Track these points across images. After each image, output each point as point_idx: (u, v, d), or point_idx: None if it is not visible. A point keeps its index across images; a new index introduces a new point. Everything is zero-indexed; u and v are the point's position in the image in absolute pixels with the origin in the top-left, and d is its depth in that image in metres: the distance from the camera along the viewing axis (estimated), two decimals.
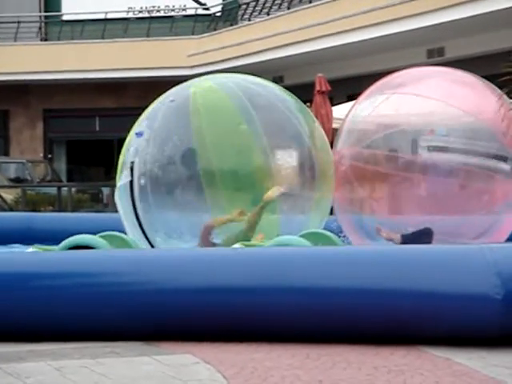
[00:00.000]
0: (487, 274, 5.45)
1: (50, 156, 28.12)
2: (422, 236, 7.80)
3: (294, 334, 5.66)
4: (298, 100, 8.86)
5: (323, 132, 9.13)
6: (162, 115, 8.27)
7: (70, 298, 5.83)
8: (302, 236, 7.70)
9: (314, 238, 7.79)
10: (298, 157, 8.55)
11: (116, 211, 8.67)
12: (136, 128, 8.34)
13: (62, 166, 28.79)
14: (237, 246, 7.50)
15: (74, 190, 18.22)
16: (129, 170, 8.07)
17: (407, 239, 7.83)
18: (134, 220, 8.04)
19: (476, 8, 16.32)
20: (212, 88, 8.55)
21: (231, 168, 8.19)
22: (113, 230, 8.27)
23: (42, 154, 27.87)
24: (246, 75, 9.20)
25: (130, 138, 8.37)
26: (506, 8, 15.77)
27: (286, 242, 7.30)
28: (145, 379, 4.73)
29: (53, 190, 18.21)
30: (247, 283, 5.74)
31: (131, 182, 8.02)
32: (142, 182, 8.07)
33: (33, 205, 16.95)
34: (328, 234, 8.08)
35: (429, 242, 7.74)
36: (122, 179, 8.17)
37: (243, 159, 8.29)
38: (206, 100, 8.43)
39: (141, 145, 8.17)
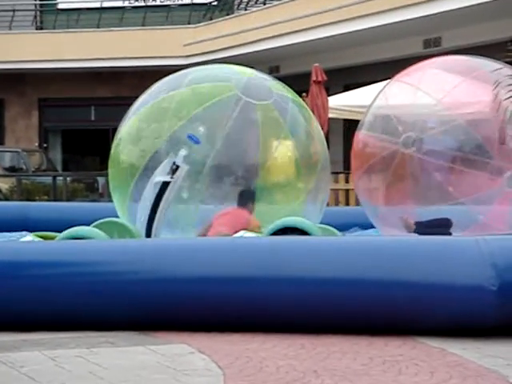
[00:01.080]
0: (482, 265, 5.45)
1: (45, 145, 28.03)
2: (440, 226, 7.73)
3: (288, 325, 5.66)
4: (292, 91, 8.84)
5: (318, 124, 9.12)
6: (231, 126, 8.13)
7: (65, 288, 5.83)
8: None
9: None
10: (294, 148, 8.53)
11: (111, 201, 8.67)
12: (187, 129, 8.06)
13: (57, 155, 28.71)
14: (241, 233, 7.50)
15: (69, 179, 18.17)
16: (170, 170, 7.83)
17: (421, 227, 7.78)
18: (146, 214, 7.89)
19: None
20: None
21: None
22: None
23: (37, 144, 27.77)
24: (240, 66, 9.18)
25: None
26: None
27: None
28: (140, 369, 4.73)
29: (48, 180, 18.16)
30: (242, 273, 5.74)
31: (166, 183, 7.81)
32: (185, 190, 7.98)
33: (28, 194, 16.90)
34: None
35: (447, 233, 7.68)
36: (157, 174, 7.88)
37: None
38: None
39: (197, 152, 7.99)
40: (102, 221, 7.91)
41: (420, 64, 8.79)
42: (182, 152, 7.89)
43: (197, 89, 8.35)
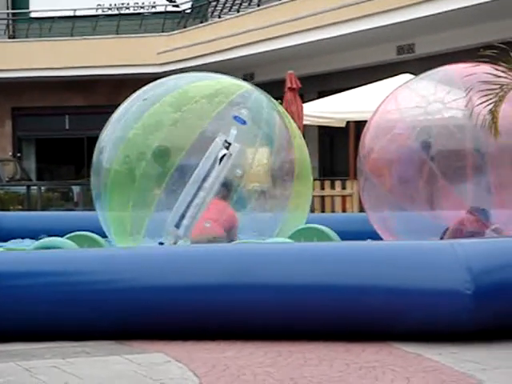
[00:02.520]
0: (458, 269, 5.47)
1: (19, 155, 27.87)
2: None
3: (265, 332, 5.65)
4: (271, 98, 8.85)
5: (299, 130, 9.12)
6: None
7: (40, 298, 5.78)
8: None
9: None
10: (273, 155, 8.53)
11: (87, 210, 8.64)
12: (233, 110, 8.13)
13: (31, 164, 28.56)
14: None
15: (43, 188, 18.08)
16: (222, 146, 7.82)
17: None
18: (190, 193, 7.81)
19: (445, 5, 16.37)
20: None
21: None
22: (83, 229, 8.23)
23: (10, 153, 27.60)
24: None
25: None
26: (475, 4, 15.85)
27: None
28: (116, 378, 4.70)
29: (22, 189, 18.07)
30: (218, 281, 5.72)
31: (220, 159, 7.79)
32: (239, 171, 8.03)
33: (1, 204, 16.80)
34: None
35: None
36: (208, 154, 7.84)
37: None
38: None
39: (243, 132, 8.02)
40: (72, 234, 7.87)
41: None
42: (234, 131, 7.92)
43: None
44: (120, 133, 8.37)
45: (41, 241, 7.48)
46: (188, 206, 7.73)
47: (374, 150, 8.59)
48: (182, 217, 7.74)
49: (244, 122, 8.06)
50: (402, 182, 8.29)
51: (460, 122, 8.11)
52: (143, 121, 8.20)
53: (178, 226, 7.74)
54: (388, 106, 8.77)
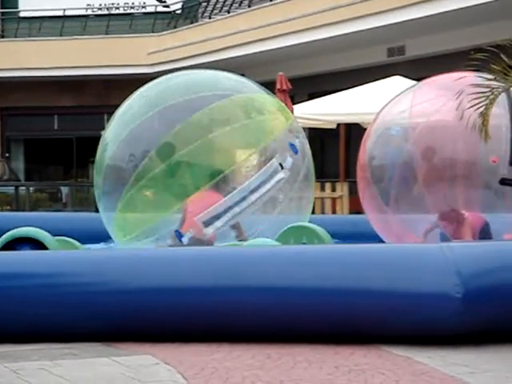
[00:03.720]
0: (447, 272, 5.46)
1: (7, 155, 27.75)
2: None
3: (254, 334, 5.63)
4: (295, 127, 8.86)
5: (303, 133, 9.12)
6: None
7: (26, 299, 5.74)
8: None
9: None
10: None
11: (75, 210, 8.60)
12: (290, 139, 8.39)
13: (19, 164, 28.46)
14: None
15: (32, 189, 18.03)
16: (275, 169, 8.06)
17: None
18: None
19: (436, 7, 16.39)
20: None
21: None
22: (71, 230, 8.19)
23: None
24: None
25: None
26: (466, 7, 15.86)
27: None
28: (104, 380, 4.67)
29: (10, 190, 18.00)
30: (206, 283, 5.70)
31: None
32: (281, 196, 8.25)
33: None
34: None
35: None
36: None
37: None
38: None
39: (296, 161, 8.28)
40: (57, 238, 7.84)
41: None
42: (290, 158, 8.20)
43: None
44: (124, 130, 8.28)
45: (14, 231, 7.47)
46: (226, 211, 7.84)
47: (375, 154, 8.60)
48: (217, 217, 7.83)
49: (296, 152, 8.34)
50: (402, 185, 8.28)
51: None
52: (211, 111, 8.17)
53: (207, 224, 7.79)
54: (390, 110, 8.77)
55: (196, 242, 7.83)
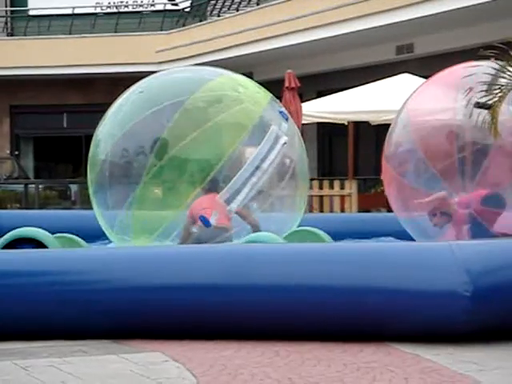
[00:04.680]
0: (456, 271, 5.46)
1: (16, 153, 27.81)
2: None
3: (262, 332, 5.63)
4: (274, 97, 8.85)
5: (298, 130, 9.11)
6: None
7: (37, 297, 5.77)
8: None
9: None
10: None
11: (84, 208, 8.61)
12: (277, 107, 8.62)
13: (29, 162, 28.51)
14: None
15: (41, 187, 18.06)
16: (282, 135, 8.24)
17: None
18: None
19: (444, 4, 16.36)
20: None
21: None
22: (79, 228, 8.20)
23: (8, 151, 27.55)
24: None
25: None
26: (474, 4, 15.83)
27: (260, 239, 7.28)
28: (113, 378, 4.68)
29: (20, 187, 18.05)
30: (215, 281, 5.71)
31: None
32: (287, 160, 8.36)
33: None
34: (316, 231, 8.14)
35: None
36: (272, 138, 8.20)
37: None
38: None
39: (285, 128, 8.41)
40: (57, 235, 7.85)
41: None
42: (285, 124, 8.43)
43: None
44: (117, 127, 8.31)
45: (15, 231, 7.51)
46: (244, 183, 7.98)
47: (401, 144, 8.56)
48: (237, 192, 7.96)
49: (287, 119, 8.56)
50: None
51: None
52: (206, 91, 8.25)
53: (229, 201, 7.92)
54: (414, 104, 8.69)
55: (218, 230, 7.88)
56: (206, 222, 7.82)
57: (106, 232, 8.33)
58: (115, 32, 26.70)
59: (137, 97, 8.43)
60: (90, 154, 8.48)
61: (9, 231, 7.75)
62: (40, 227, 7.88)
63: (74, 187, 19.48)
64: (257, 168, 8.02)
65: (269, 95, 8.64)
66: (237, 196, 7.93)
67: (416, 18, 17.19)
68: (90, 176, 8.46)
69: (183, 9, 27.53)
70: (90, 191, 8.47)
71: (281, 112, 8.57)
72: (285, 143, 8.26)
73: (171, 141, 8.07)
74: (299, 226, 8.53)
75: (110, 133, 8.37)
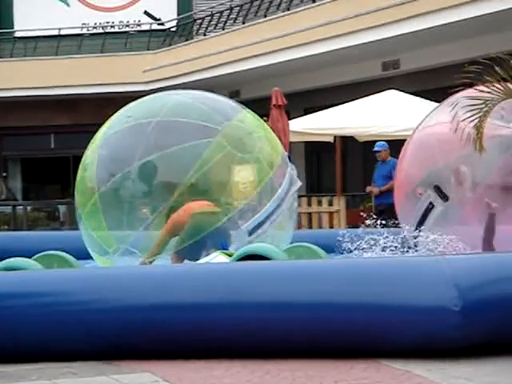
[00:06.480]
0: (445, 285, 5.46)
1: (4, 174, 27.76)
2: None
3: (253, 351, 5.62)
4: (256, 115, 8.86)
5: (282, 147, 9.13)
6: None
7: (26, 319, 5.73)
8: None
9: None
10: (258, 172, 8.57)
11: (72, 229, 8.58)
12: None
13: (17, 184, 28.45)
14: (214, 255, 7.56)
15: (29, 208, 18.02)
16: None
17: None
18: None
19: (429, 21, 16.47)
20: None
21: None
22: (69, 248, 8.16)
23: None
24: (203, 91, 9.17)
25: None
26: (459, 20, 15.95)
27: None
28: None
29: (8, 209, 18.01)
30: (205, 299, 5.69)
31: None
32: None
33: None
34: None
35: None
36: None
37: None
38: None
39: None
40: (42, 254, 7.80)
41: None
42: (294, 170, 8.82)
43: None
44: (106, 151, 8.32)
45: (4, 261, 7.42)
46: (266, 219, 8.28)
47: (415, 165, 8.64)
48: (259, 225, 8.24)
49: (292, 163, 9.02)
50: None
51: None
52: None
53: (251, 232, 8.19)
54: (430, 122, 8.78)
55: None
56: (225, 247, 8.01)
57: (91, 254, 8.36)
58: (102, 52, 26.74)
59: (125, 120, 8.41)
60: (78, 178, 8.47)
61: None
62: (32, 249, 7.84)
63: (62, 208, 19.45)
64: (278, 206, 8.36)
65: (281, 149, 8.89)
66: (258, 230, 8.23)
67: (401, 35, 17.30)
68: (78, 199, 8.45)
69: (169, 28, 27.60)
70: (77, 214, 8.46)
71: (288, 157, 9.01)
72: (298, 187, 8.70)
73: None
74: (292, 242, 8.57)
75: (97, 157, 8.36)
